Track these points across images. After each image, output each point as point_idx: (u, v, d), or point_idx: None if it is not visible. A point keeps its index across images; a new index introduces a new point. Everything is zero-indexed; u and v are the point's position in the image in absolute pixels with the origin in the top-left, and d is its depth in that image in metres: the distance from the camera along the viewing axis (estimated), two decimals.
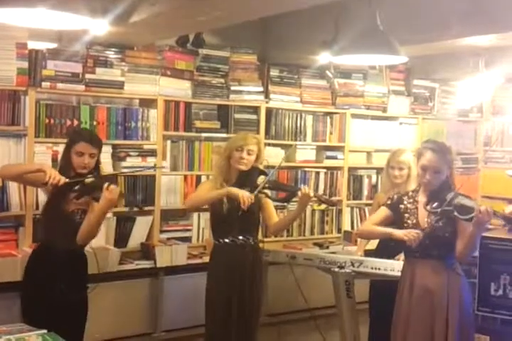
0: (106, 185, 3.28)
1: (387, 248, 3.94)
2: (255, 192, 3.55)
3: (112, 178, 3.69)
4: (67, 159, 3.49)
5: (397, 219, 3.41)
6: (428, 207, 3.22)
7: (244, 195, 3.46)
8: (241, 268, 3.65)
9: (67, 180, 3.30)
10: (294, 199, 3.79)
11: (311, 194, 3.62)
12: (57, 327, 3.17)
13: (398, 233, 3.28)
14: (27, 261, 3.57)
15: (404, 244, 3.28)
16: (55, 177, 3.25)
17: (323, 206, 5.04)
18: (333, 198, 3.88)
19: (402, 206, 3.40)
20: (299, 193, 3.62)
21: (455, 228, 3.22)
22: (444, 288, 3.22)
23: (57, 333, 3.05)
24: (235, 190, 3.52)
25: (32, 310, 3.39)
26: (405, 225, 3.35)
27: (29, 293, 3.47)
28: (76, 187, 3.35)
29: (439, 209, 3.14)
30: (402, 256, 3.94)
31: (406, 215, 3.37)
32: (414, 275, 3.30)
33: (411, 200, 3.40)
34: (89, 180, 3.35)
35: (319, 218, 5.35)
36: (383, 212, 3.49)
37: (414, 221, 3.33)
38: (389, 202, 3.50)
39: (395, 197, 3.48)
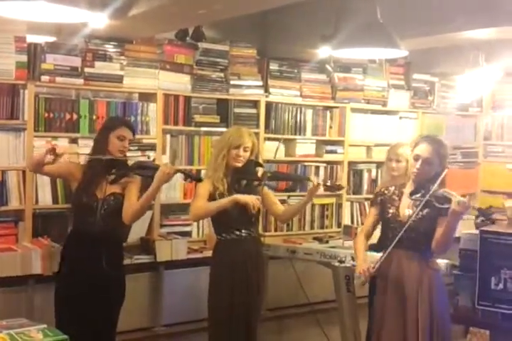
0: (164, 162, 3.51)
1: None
2: (260, 187, 3.58)
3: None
4: (104, 144, 3.47)
5: (380, 210, 3.38)
6: (412, 197, 3.21)
7: (253, 200, 3.51)
8: (246, 261, 3.64)
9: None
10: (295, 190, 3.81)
11: (319, 182, 3.69)
12: (94, 311, 3.37)
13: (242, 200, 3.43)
14: (62, 247, 3.61)
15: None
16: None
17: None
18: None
19: (384, 197, 3.37)
20: (311, 185, 3.68)
21: (435, 222, 3.18)
22: (415, 281, 3.21)
23: (94, 317, 3.36)
24: (242, 198, 3.53)
25: (67, 296, 3.43)
26: (386, 215, 3.31)
27: (64, 280, 3.48)
28: (113, 171, 3.40)
29: (421, 198, 3.12)
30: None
31: (388, 205, 3.34)
32: (390, 265, 3.27)
33: (396, 191, 3.36)
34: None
35: (319, 212, 5.36)
36: (371, 211, 3.47)
37: (394, 210, 3.29)
38: (373, 198, 3.48)
39: (379, 191, 3.46)
